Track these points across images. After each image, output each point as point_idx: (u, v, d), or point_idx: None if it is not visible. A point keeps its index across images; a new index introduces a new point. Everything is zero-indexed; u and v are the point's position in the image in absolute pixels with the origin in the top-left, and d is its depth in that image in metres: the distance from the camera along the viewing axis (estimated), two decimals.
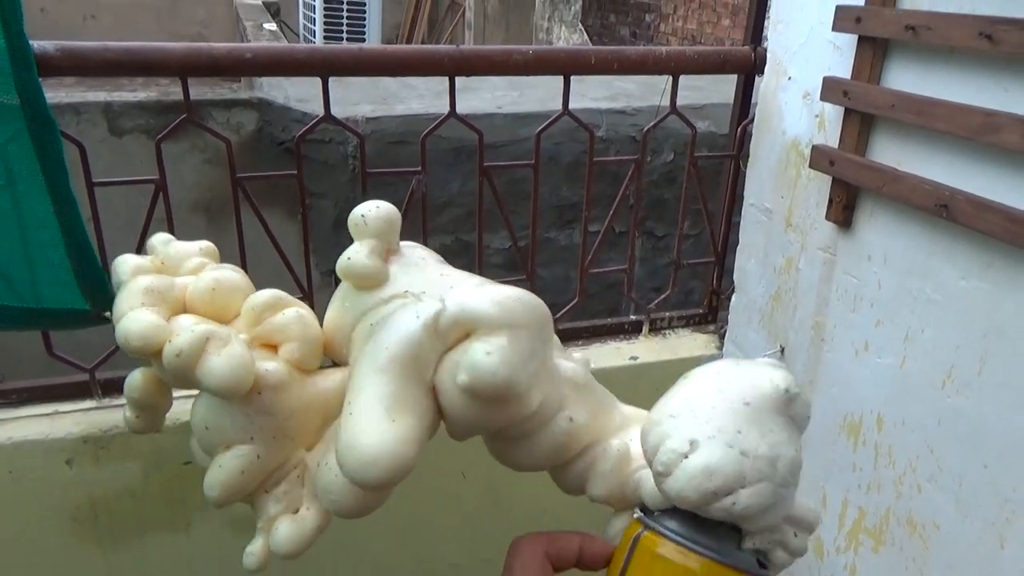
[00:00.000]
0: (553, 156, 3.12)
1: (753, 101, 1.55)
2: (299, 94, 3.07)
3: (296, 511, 0.58)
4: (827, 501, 1.36)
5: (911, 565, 1.19)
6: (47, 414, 1.33)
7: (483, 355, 0.48)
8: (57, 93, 2.88)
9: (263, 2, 5.74)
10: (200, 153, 2.89)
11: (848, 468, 1.30)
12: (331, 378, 0.62)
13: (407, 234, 1.46)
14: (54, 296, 1.16)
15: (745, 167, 1.53)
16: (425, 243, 1.48)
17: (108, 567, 1.40)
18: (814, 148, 1.26)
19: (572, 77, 1.42)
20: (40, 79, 1.05)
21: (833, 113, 1.24)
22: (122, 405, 1.37)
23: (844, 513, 1.33)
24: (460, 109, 1.41)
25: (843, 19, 1.16)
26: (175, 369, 0.55)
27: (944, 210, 1.02)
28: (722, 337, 1.67)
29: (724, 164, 1.64)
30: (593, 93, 3.43)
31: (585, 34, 6.24)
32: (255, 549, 0.59)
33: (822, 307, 1.33)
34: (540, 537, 0.49)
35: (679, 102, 1.51)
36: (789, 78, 1.35)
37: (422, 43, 7.73)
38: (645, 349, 1.66)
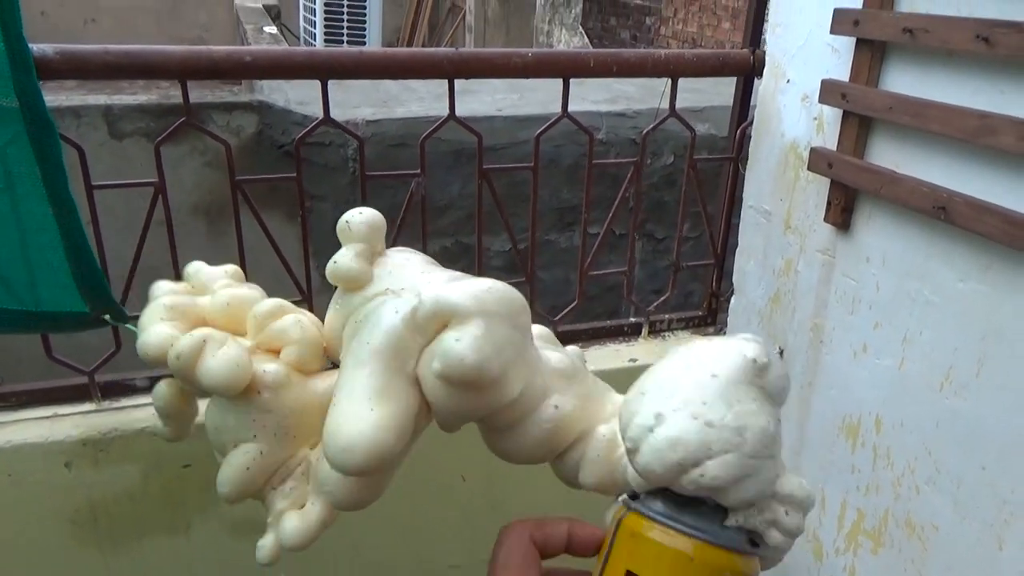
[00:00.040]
0: (553, 158, 3.13)
1: (752, 104, 1.55)
2: (299, 97, 3.07)
3: (302, 506, 0.61)
4: (826, 503, 1.36)
5: (910, 567, 1.19)
6: (46, 417, 1.33)
7: (453, 342, 0.49)
8: (57, 96, 2.89)
9: (263, 5, 5.74)
10: (200, 156, 2.90)
11: (847, 470, 1.30)
12: (331, 378, 0.64)
13: (407, 236, 1.48)
14: (53, 299, 1.16)
15: (744, 169, 1.53)
16: (425, 245, 1.49)
17: (107, 570, 1.40)
18: (813, 150, 1.27)
19: (572, 80, 1.43)
20: (40, 82, 1.05)
21: (831, 115, 1.25)
22: (121, 408, 1.37)
23: (843, 515, 1.33)
24: (460, 112, 1.41)
25: (841, 22, 1.16)
26: (178, 371, 0.58)
27: (942, 212, 1.02)
28: None
29: (724, 166, 1.64)
30: (593, 96, 3.43)
31: (585, 37, 6.24)
32: (266, 543, 0.61)
33: (821, 309, 1.33)
34: (527, 523, 0.49)
35: (679, 105, 1.51)
36: (788, 81, 1.35)
37: (422, 46, 7.74)
38: (644, 351, 1.66)
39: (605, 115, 3.26)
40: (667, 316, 1.76)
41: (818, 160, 1.25)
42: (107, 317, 1.21)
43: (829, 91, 1.21)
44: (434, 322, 0.53)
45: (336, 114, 1.36)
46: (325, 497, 0.58)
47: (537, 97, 3.38)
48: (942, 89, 1.04)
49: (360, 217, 0.61)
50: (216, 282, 0.68)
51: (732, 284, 1.60)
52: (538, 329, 0.62)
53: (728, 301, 1.63)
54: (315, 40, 6.68)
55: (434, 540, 1.59)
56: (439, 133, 1.38)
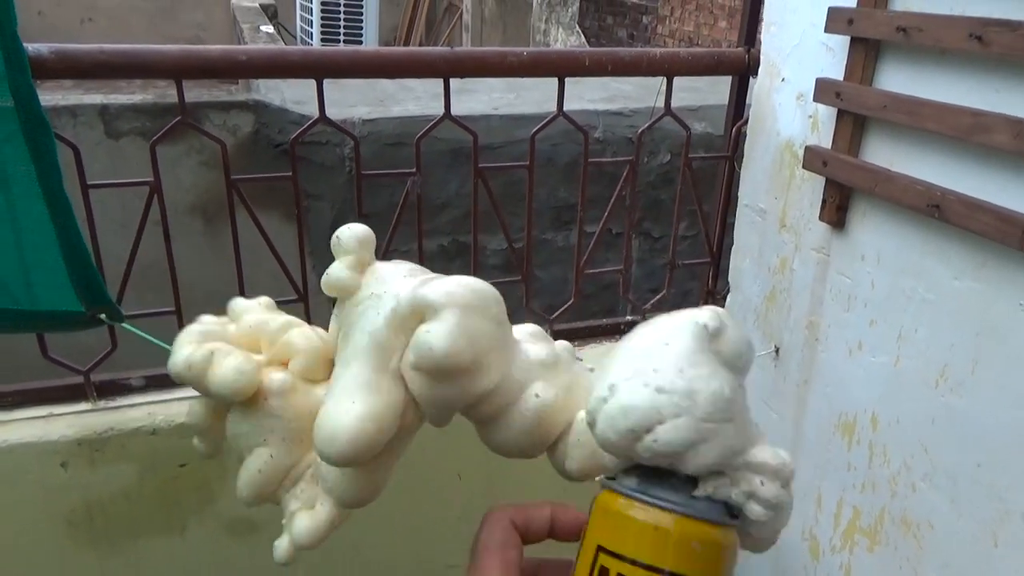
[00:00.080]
0: (550, 157, 3.13)
1: (748, 102, 1.55)
2: (296, 96, 3.07)
3: (313, 507, 0.64)
4: (822, 501, 1.36)
5: (905, 565, 1.19)
6: (42, 416, 1.33)
7: (423, 333, 0.53)
8: (54, 95, 2.88)
9: (260, 4, 5.74)
10: (197, 155, 2.90)
11: (843, 467, 1.30)
12: None
13: (403, 235, 1.48)
14: (49, 298, 1.16)
15: (740, 168, 1.53)
16: (421, 244, 1.49)
17: (103, 570, 1.40)
18: (807, 149, 1.27)
19: (570, 79, 1.43)
20: (36, 82, 1.05)
21: (826, 114, 1.25)
22: (117, 408, 1.37)
23: (839, 513, 1.33)
24: (457, 111, 1.41)
25: (835, 21, 1.16)
26: (191, 381, 0.62)
27: (936, 210, 1.02)
28: None
29: (719, 165, 1.65)
30: (590, 95, 3.43)
31: (582, 36, 6.24)
32: (282, 543, 0.65)
33: (816, 307, 1.33)
34: (509, 507, 0.49)
35: (676, 104, 1.51)
36: (783, 79, 1.36)
37: (420, 45, 7.74)
38: None
39: (602, 114, 3.26)
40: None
41: (813, 158, 1.25)
42: (103, 316, 1.21)
43: (824, 90, 1.21)
44: (412, 319, 0.55)
45: (333, 113, 1.36)
46: (329, 494, 0.61)
47: (534, 96, 3.38)
48: (936, 87, 1.04)
49: (349, 232, 0.65)
50: (248, 312, 0.73)
51: (728, 282, 1.60)
52: (530, 327, 0.63)
53: (724, 299, 1.63)
54: (312, 39, 6.67)
55: (432, 539, 1.59)
56: (436, 132, 1.38)
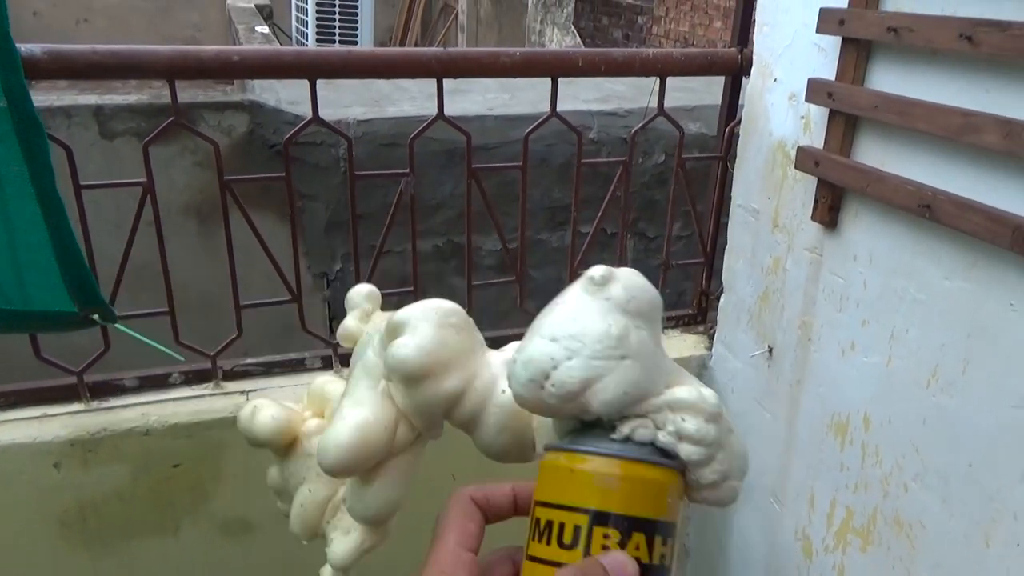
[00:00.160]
0: (545, 158, 3.13)
1: (740, 103, 1.56)
2: (291, 96, 3.07)
3: (348, 533, 0.72)
4: (815, 501, 1.37)
5: (898, 564, 1.20)
6: (35, 417, 1.33)
7: (392, 347, 0.60)
8: (48, 96, 2.88)
9: (256, 5, 5.73)
10: (191, 155, 2.89)
11: (836, 468, 1.31)
12: None
13: (397, 235, 1.48)
14: (42, 298, 1.16)
15: (733, 168, 1.54)
16: (414, 244, 1.49)
17: (96, 570, 1.40)
18: (799, 149, 1.27)
19: (564, 79, 1.43)
20: (30, 82, 1.05)
21: (818, 114, 1.25)
22: (110, 408, 1.37)
23: (832, 513, 1.33)
24: (451, 111, 1.41)
25: (827, 21, 1.17)
26: (244, 433, 0.72)
27: (927, 210, 1.02)
28: (711, 338, 1.68)
29: (713, 165, 1.65)
30: (584, 95, 3.44)
31: (577, 36, 6.25)
32: (325, 570, 0.72)
33: (809, 307, 1.33)
34: (470, 486, 0.51)
35: (671, 104, 1.51)
36: (775, 80, 1.36)
37: (415, 45, 7.74)
38: None
39: (596, 114, 3.26)
40: None
41: (805, 159, 1.25)
42: (96, 317, 1.21)
43: (815, 90, 1.21)
44: (389, 340, 0.62)
45: (328, 114, 1.36)
46: (351, 515, 0.68)
47: (528, 97, 3.38)
48: (927, 88, 1.05)
49: (357, 290, 0.76)
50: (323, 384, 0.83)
51: (722, 282, 1.61)
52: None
53: (718, 300, 1.63)
54: (307, 40, 6.67)
55: (428, 539, 1.59)
56: (431, 132, 1.38)
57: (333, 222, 3.03)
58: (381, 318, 0.73)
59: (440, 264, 3.21)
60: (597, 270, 0.51)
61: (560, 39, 6.04)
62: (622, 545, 0.45)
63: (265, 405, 0.72)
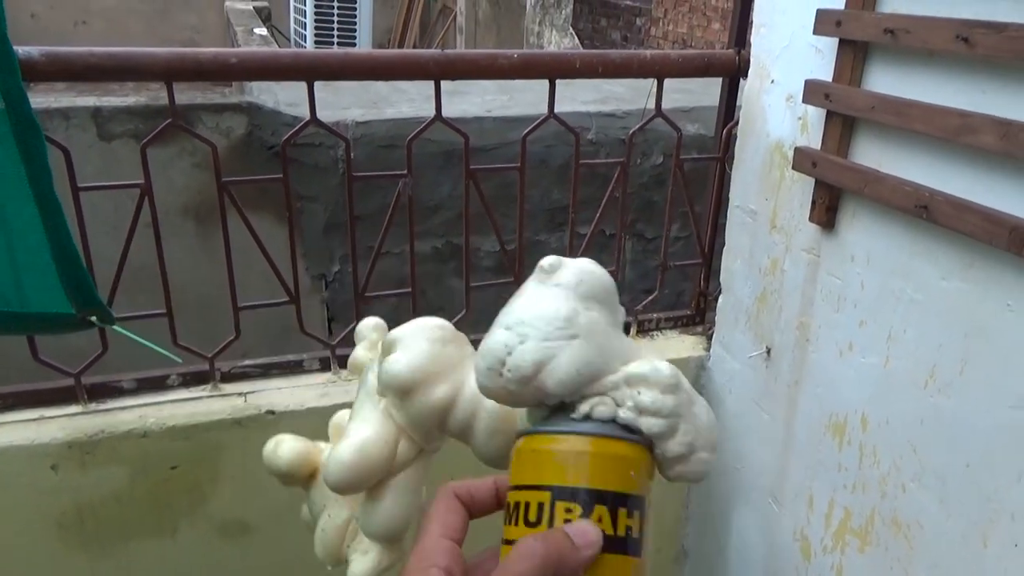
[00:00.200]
0: (544, 159, 3.13)
1: (738, 104, 1.56)
2: (289, 98, 3.07)
3: (367, 553, 0.74)
4: (814, 501, 1.37)
5: (896, 565, 1.20)
6: (33, 419, 1.33)
7: (384, 363, 0.63)
8: (46, 98, 2.88)
9: (254, 7, 5.74)
10: (189, 157, 2.89)
11: (834, 468, 1.31)
12: None
13: (395, 237, 1.48)
14: (39, 300, 1.16)
15: (731, 169, 1.54)
16: (412, 246, 1.49)
17: (94, 572, 1.40)
18: (797, 150, 1.27)
19: (563, 81, 1.43)
20: (28, 84, 1.05)
21: (815, 115, 1.25)
22: (108, 410, 1.37)
23: (831, 513, 1.33)
24: (450, 113, 1.41)
25: (824, 22, 1.17)
26: (267, 467, 0.75)
27: (924, 211, 1.03)
28: (709, 338, 1.68)
29: (711, 166, 1.65)
30: (583, 96, 3.44)
31: (576, 38, 6.25)
32: None
33: (807, 308, 1.33)
34: (454, 482, 0.52)
35: (669, 105, 1.52)
36: (772, 81, 1.36)
37: (414, 47, 7.74)
38: None
39: (595, 115, 3.26)
40: (655, 315, 1.76)
41: (802, 160, 1.25)
42: (93, 318, 1.21)
43: (813, 91, 1.21)
44: (384, 358, 0.66)
45: (326, 115, 1.36)
46: (364, 534, 0.72)
47: (527, 98, 3.38)
48: (924, 89, 1.05)
49: (366, 323, 0.81)
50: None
51: (720, 283, 1.61)
52: None
53: (716, 300, 1.63)
54: (306, 42, 6.67)
55: None
56: (429, 134, 1.38)
57: (331, 223, 3.03)
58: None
59: (439, 265, 3.21)
60: (546, 260, 0.53)
61: (558, 41, 6.05)
62: (584, 517, 0.46)
63: (286, 439, 0.76)
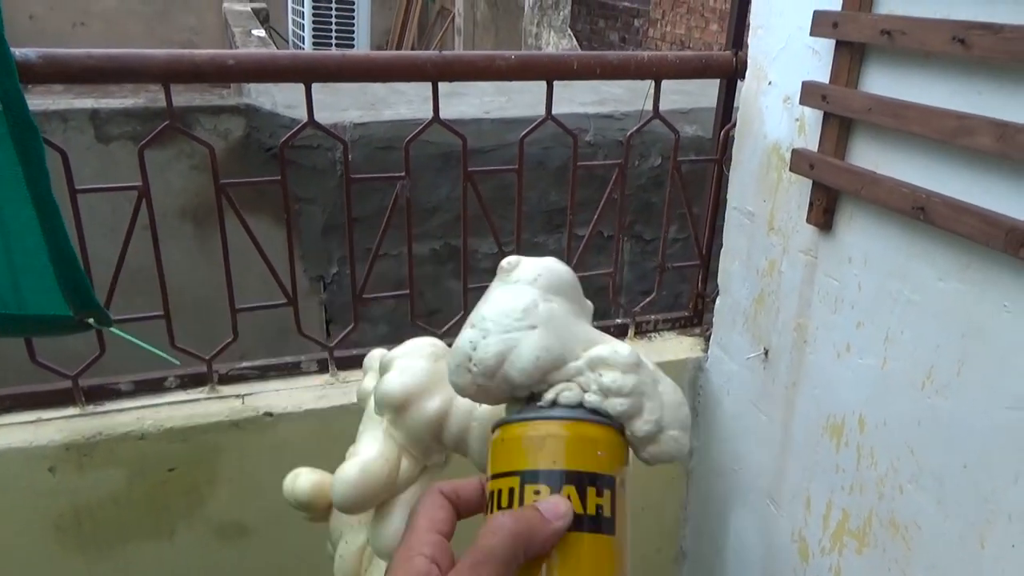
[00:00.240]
0: (542, 161, 3.13)
1: (736, 105, 1.56)
2: (287, 100, 3.07)
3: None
4: (811, 503, 1.37)
5: (894, 566, 1.20)
6: (30, 421, 1.33)
7: (378, 383, 0.67)
8: (44, 100, 2.88)
9: (252, 8, 5.74)
10: (187, 159, 2.89)
11: (831, 469, 1.31)
12: None
13: (393, 239, 1.48)
14: (37, 302, 1.16)
15: (728, 171, 1.54)
16: (410, 248, 1.49)
17: (91, 575, 1.40)
18: (794, 152, 1.27)
19: (562, 82, 1.43)
20: (26, 86, 1.05)
21: (813, 117, 1.25)
22: (105, 412, 1.37)
23: (828, 515, 1.33)
24: (448, 115, 1.41)
25: (820, 24, 1.17)
26: (287, 499, 0.77)
27: (921, 212, 1.03)
28: (707, 340, 1.68)
29: (709, 168, 1.65)
30: (581, 98, 3.44)
31: (574, 39, 6.25)
32: None
33: (804, 309, 1.33)
34: (440, 482, 0.53)
35: (668, 107, 1.52)
36: (769, 83, 1.36)
37: (412, 49, 7.74)
38: None
39: (593, 117, 3.26)
40: (653, 317, 1.77)
41: (800, 161, 1.26)
42: (91, 320, 1.21)
43: (810, 93, 1.22)
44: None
45: (324, 117, 1.36)
46: (374, 551, 0.74)
47: (525, 99, 3.38)
48: (920, 90, 1.05)
49: (372, 355, 0.83)
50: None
51: (717, 285, 1.61)
52: None
53: (714, 302, 1.63)
54: (304, 43, 6.67)
55: None
56: (427, 135, 1.38)
57: (329, 225, 3.03)
58: None
59: (437, 267, 3.21)
60: (505, 260, 0.56)
61: (557, 42, 6.05)
62: None
63: (304, 472, 0.79)
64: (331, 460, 0.73)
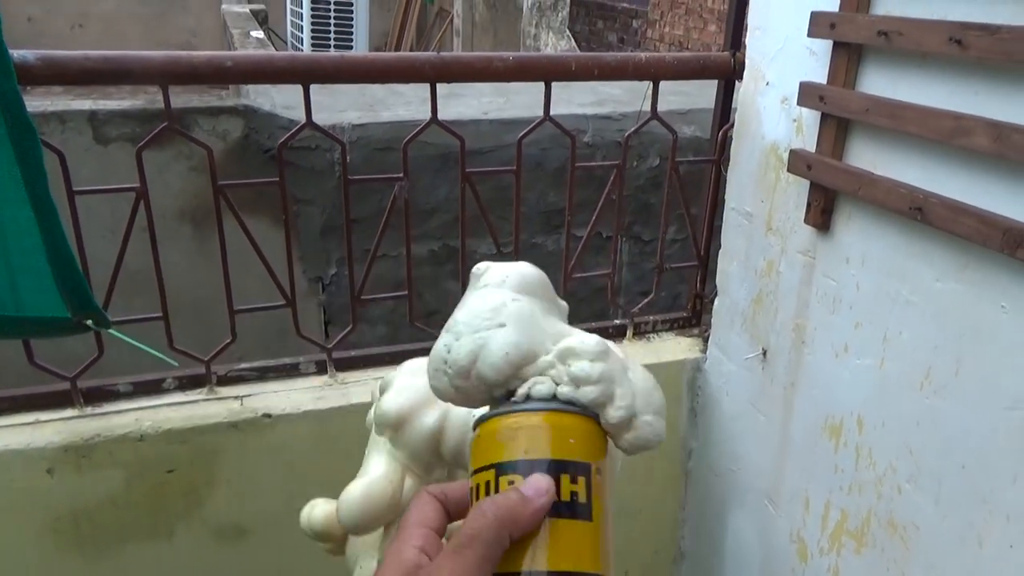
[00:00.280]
0: (540, 162, 3.13)
1: (734, 106, 1.56)
2: (286, 101, 3.07)
3: None
4: (810, 503, 1.37)
5: (892, 567, 1.20)
6: (28, 423, 1.33)
7: (377, 403, 0.69)
8: (42, 102, 2.88)
9: (251, 10, 5.74)
10: (186, 160, 2.89)
11: (830, 470, 1.31)
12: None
13: (391, 239, 1.48)
14: (35, 303, 1.16)
15: (726, 172, 1.54)
16: (409, 249, 1.49)
17: None
18: (792, 152, 1.27)
19: (560, 83, 1.43)
20: (23, 88, 1.05)
21: (810, 118, 1.26)
22: (104, 414, 1.37)
23: (827, 515, 1.33)
24: (446, 116, 1.41)
25: (818, 25, 1.17)
26: (304, 530, 0.79)
27: (919, 213, 1.03)
28: (705, 340, 1.68)
29: (707, 169, 1.65)
30: (580, 99, 3.44)
31: (573, 40, 6.26)
32: None
33: (802, 309, 1.34)
34: (430, 486, 0.54)
35: (666, 108, 1.52)
36: (767, 83, 1.36)
37: (410, 50, 7.74)
38: (629, 353, 1.66)
39: (591, 118, 3.26)
40: (652, 318, 1.77)
41: (797, 162, 1.26)
42: (89, 322, 1.21)
43: (807, 93, 1.22)
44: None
45: (323, 118, 1.36)
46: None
47: (523, 100, 3.38)
48: (917, 91, 1.05)
49: (379, 383, 0.84)
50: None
51: (716, 285, 1.61)
52: None
53: (712, 302, 1.63)
54: (303, 45, 6.67)
55: None
56: (426, 136, 1.38)
57: (328, 226, 3.03)
58: None
59: (435, 268, 3.21)
60: (476, 266, 0.59)
61: (555, 43, 6.05)
62: None
63: (320, 503, 0.81)
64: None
